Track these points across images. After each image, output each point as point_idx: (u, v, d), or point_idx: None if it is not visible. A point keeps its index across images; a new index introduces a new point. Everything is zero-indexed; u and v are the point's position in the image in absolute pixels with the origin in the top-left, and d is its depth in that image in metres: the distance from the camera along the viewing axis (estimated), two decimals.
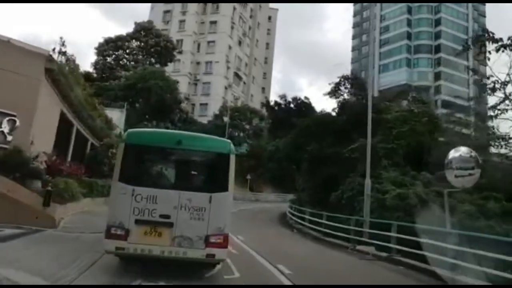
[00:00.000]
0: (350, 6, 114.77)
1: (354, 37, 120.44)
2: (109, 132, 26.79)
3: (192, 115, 57.93)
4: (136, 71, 44.53)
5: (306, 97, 74.43)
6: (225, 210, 8.02)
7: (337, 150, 22.38)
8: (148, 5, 67.41)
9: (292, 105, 74.33)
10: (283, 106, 74.31)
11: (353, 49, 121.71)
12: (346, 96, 25.94)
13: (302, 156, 26.66)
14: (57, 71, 16.63)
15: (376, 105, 23.94)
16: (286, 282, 8.75)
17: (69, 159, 21.42)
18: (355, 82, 26.96)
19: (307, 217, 22.11)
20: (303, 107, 73.89)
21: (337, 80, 25.96)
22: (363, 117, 21.89)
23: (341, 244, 16.70)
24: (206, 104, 64.71)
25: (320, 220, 19.64)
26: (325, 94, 25.94)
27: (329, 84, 26.06)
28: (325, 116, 25.83)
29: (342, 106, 25.64)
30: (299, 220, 23.90)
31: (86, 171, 20.42)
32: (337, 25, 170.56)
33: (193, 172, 9.05)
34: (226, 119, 55.06)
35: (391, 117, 20.40)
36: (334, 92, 25.49)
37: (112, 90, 43.66)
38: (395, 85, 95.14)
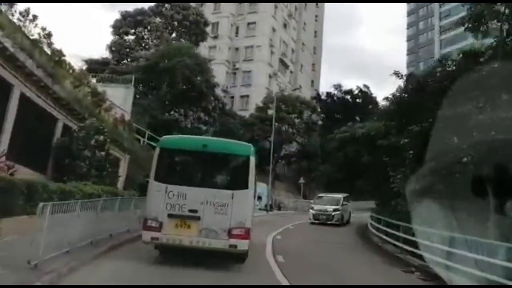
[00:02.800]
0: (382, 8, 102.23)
1: (409, 26, 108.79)
2: (97, 110, 17.46)
3: (232, 108, 48.32)
4: (158, 49, 35.52)
5: (365, 85, 63.42)
6: (246, 206, 8.89)
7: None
8: None
9: (348, 97, 63.39)
10: (336, 98, 63.59)
11: (409, 38, 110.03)
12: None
13: (404, 140, 16.17)
14: None
15: None
16: None
17: (5, 145, 12.10)
18: None
19: (438, 246, 11.52)
20: (362, 97, 62.74)
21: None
22: None
23: None
24: (247, 96, 54.90)
25: (486, 259, 9.07)
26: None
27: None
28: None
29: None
30: (411, 248, 13.38)
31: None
32: (377, 30, 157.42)
33: (216, 172, 9.56)
34: (271, 111, 45.21)
35: None
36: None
37: (128, 73, 34.82)
38: None
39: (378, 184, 21.49)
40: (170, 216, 8.53)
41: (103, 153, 15.90)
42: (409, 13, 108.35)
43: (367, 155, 27.78)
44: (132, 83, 24.98)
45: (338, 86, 63.30)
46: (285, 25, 61.36)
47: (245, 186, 8.85)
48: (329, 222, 23.95)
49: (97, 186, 14.07)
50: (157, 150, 9.19)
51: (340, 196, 26.02)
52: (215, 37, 54.65)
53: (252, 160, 9.06)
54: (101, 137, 15.97)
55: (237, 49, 57.15)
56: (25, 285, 5.96)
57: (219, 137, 15.03)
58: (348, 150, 38.80)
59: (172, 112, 33.42)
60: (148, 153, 24.48)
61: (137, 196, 15.53)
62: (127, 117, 21.22)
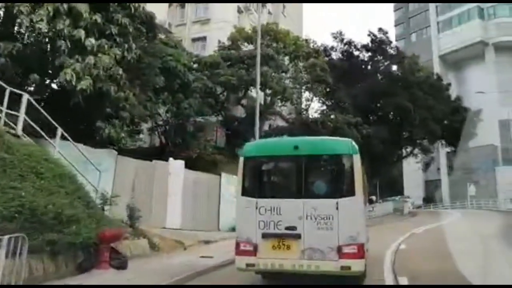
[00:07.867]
0: None
1: None
2: None
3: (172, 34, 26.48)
4: None
5: (381, 29, 42.40)
6: (356, 217, 7.10)
7: None
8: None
9: (355, 51, 42.68)
10: (340, 52, 42.71)
11: (396, 8, 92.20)
12: None
13: None
14: None
15: None
16: None
17: None
18: None
19: None
20: (373, 50, 42.25)
21: None
22: None
23: None
24: (204, 38, 33.45)
25: None
26: None
27: None
28: None
29: None
30: None
31: None
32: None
33: (314, 179, 7.76)
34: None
35: None
36: None
37: None
38: (463, 46, 68.43)
39: None
40: (264, 236, 7.09)
41: None
42: None
43: None
44: None
45: (338, 35, 42.87)
46: None
47: (351, 192, 7.05)
48: None
49: None
50: (241, 160, 7.67)
51: None
52: None
53: (357, 159, 7.21)
54: None
55: None
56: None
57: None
58: None
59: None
60: None
61: None
62: None
